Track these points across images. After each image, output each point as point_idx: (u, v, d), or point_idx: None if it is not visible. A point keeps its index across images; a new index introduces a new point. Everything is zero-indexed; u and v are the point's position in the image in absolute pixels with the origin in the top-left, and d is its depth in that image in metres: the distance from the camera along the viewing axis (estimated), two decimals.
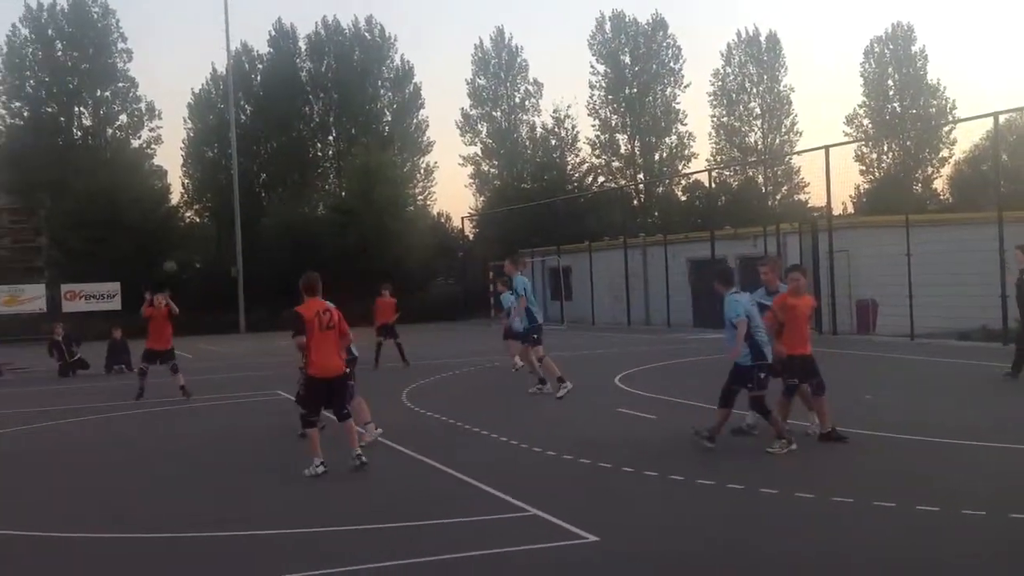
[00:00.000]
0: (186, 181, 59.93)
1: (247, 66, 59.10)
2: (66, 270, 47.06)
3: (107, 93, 56.38)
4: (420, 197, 60.84)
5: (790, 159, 61.97)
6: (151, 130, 57.26)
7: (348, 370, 11.28)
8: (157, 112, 57.26)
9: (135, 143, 56.66)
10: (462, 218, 58.61)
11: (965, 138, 57.93)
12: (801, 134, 64.08)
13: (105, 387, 21.30)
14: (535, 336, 16.49)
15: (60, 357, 25.07)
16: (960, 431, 11.66)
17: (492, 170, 63.07)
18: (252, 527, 8.48)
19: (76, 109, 56.27)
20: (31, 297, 38.47)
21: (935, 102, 61.85)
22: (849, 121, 63.45)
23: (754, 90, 64.30)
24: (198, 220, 58.61)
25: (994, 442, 10.95)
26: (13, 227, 62.27)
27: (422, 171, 61.95)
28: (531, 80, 63.73)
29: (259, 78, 59.69)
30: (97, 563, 7.72)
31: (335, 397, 10.66)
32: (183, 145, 60.28)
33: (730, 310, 11.12)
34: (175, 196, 56.60)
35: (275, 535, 8.22)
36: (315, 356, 10.49)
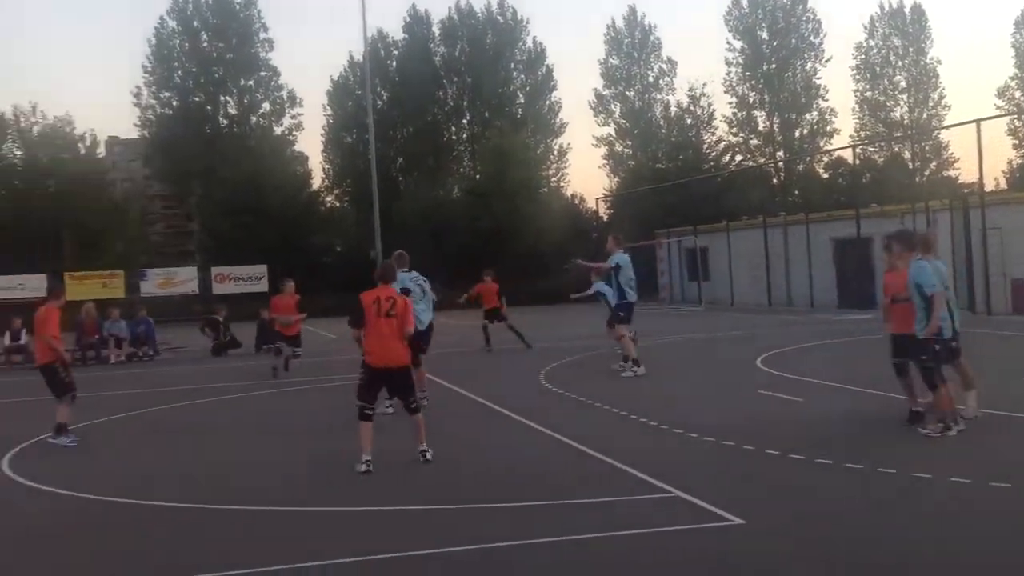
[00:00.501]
0: (326, 166, 61.53)
1: (383, 52, 60.15)
2: (215, 254, 48.89)
3: (251, 82, 58.21)
4: (553, 179, 60.98)
5: (938, 134, 59.64)
6: (292, 117, 59.03)
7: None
8: (298, 100, 58.94)
9: (277, 130, 58.44)
10: (596, 199, 58.50)
11: None
12: (949, 108, 61.62)
13: (255, 366, 22.03)
14: (621, 314, 16.80)
15: (215, 337, 26.10)
16: None
17: (626, 150, 62.64)
18: (394, 502, 8.63)
19: (221, 98, 58.31)
20: (184, 280, 39.98)
21: None
22: (1000, 94, 60.66)
23: (899, 63, 62.06)
24: (338, 204, 59.99)
25: None
26: (166, 213, 65.09)
27: (555, 153, 62.07)
28: (665, 59, 63.09)
29: (395, 64, 60.68)
30: (224, 532, 7.97)
31: (399, 389, 10.26)
32: (323, 131, 61.87)
33: (922, 277, 10.27)
34: (316, 181, 58.16)
35: (417, 511, 8.36)
36: (372, 344, 10.01)
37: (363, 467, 9.63)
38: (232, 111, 58.68)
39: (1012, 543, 6.79)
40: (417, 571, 6.75)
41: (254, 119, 58.65)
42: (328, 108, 61.11)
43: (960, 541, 6.92)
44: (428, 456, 10.02)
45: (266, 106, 58.80)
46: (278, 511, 8.56)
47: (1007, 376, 14.70)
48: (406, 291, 13.89)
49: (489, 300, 23.79)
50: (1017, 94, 59.76)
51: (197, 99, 57.82)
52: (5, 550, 7.78)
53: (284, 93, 58.79)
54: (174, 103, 57.71)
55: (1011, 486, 8.10)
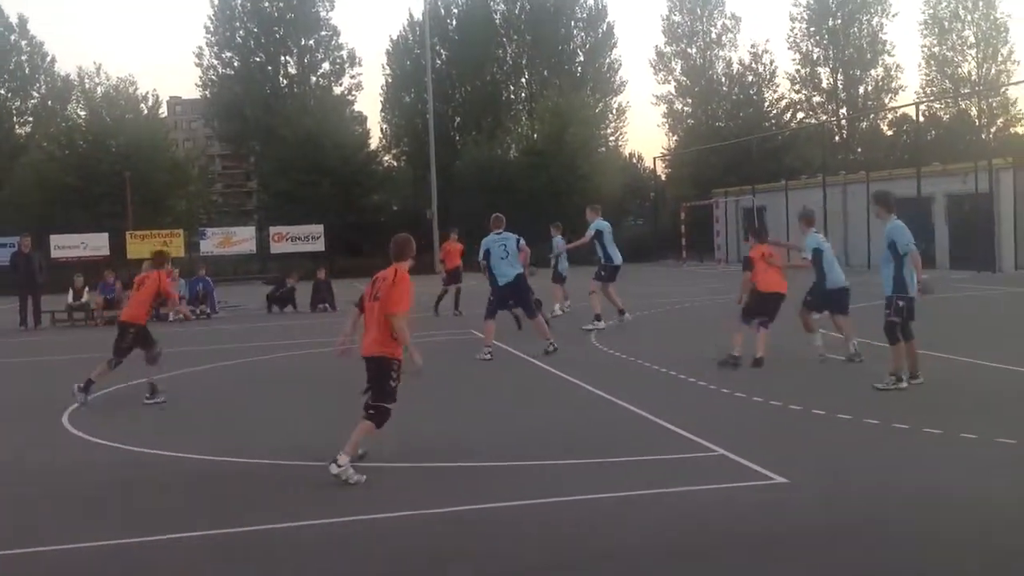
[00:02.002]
0: (384, 126, 61.74)
1: (442, 11, 59.99)
2: (273, 213, 49.48)
3: (311, 42, 58.49)
4: (612, 138, 60.59)
5: (1006, 90, 58.13)
6: (352, 77, 59.32)
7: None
8: (357, 59, 59.14)
9: (337, 90, 58.72)
10: (654, 158, 58.07)
11: None
12: (1018, 64, 59.92)
13: (308, 324, 22.35)
14: (603, 273, 17.89)
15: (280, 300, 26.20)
16: None
17: (686, 108, 61.97)
18: (441, 459, 8.79)
19: (282, 58, 58.70)
20: (242, 239, 40.57)
21: None
22: None
23: (968, 17, 60.39)
24: (395, 164, 60.24)
25: None
26: (226, 172, 65.91)
27: (614, 111, 61.62)
28: (728, 15, 62.12)
29: (454, 23, 60.50)
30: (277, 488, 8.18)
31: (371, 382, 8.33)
32: (381, 91, 62.04)
33: (900, 237, 10.97)
34: (374, 141, 58.43)
35: (466, 467, 8.51)
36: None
37: (354, 478, 7.88)
38: (292, 71, 59.07)
39: None
40: (467, 526, 6.89)
41: (314, 79, 58.96)
42: (387, 67, 61.26)
43: (1005, 497, 6.89)
44: (335, 469, 7.84)
45: (326, 66, 59.11)
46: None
47: None
48: (487, 252, 15.59)
49: (452, 260, 23.33)
50: None
51: (258, 59, 58.27)
52: (67, 502, 8.06)
53: (344, 53, 59.07)
54: (235, 63, 58.23)
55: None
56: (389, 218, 51.96)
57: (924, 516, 6.68)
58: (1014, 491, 7.13)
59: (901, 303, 10.99)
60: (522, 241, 15.85)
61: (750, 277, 13.46)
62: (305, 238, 40.54)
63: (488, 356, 14.84)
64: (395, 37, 61.14)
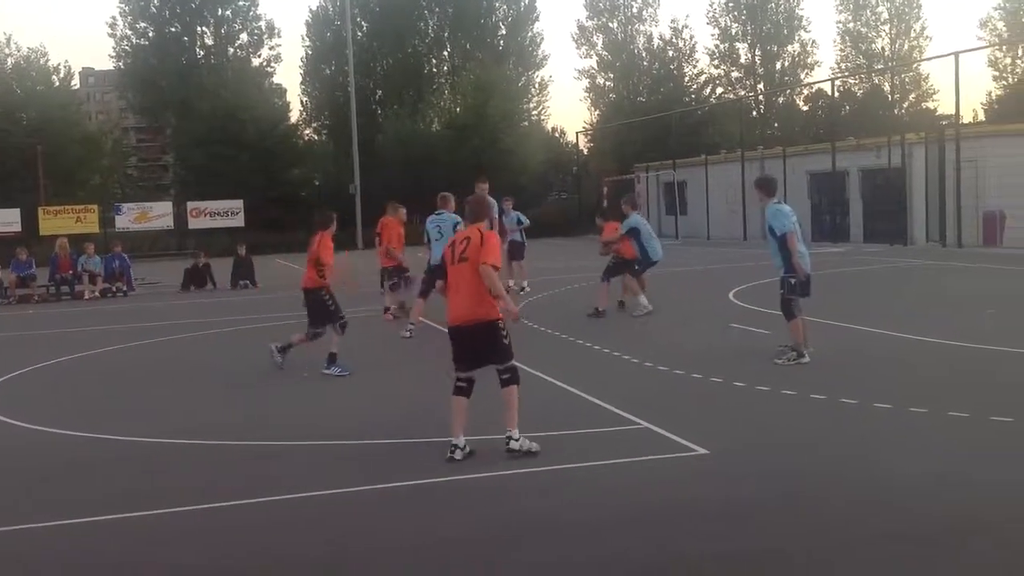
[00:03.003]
0: (304, 99, 60.98)
1: None
2: (191, 188, 48.63)
3: (228, 12, 57.41)
4: (534, 112, 60.62)
5: (918, 66, 59.54)
6: (271, 48, 58.42)
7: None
8: (276, 31, 58.24)
9: (255, 62, 57.80)
10: (576, 133, 58.27)
11: None
12: (931, 39, 61.43)
13: (227, 302, 22.08)
14: (636, 267, 16.71)
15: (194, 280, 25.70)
16: None
17: (608, 83, 62.25)
18: (369, 436, 8.78)
19: (198, 28, 57.53)
20: (159, 214, 39.84)
21: None
22: (983, 25, 60.43)
23: None
24: (316, 138, 59.60)
25: None
26: (141, 146, 64.50)
27: (536, 85, 61.64)
28: None
29: None
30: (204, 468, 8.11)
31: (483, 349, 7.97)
32: (301, 63, 61.20)
33: (774, 220, 11.45)
34: (294, 114, 57.74)
35: (389, 444, 8.51)
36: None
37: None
38: (209, 42, 57.93)
39: (970, 465, 6.99)
40: (391, 502, 6.90)
41: (231, 50, 57.93)
42: (306, 39, 60.41)
43: (920, 465, 7.11)
44: (514, 445, 7.78)
45: (243, 37, 58.16)
46: (251, 445, 8.70)
47: (974, 307, 14.97)
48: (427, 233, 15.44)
49: (388, 238, 23.10)
50: (1000, 25, 59.52)
51: (173, 30, 56.99)
52: None
53: (262, 24, 58.18)
54: (150, 34, 56.88)
55: (968, 415, 8.31)
56: (310, 192, 51.42)
57: (840, 486, 6.86)
58: (925, 461, 7.36)
59: (793, 280, 11.37)
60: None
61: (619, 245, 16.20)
62: (224, 213, 39.96)
63: (408, 334, 14.81)
64: (315, 8, 60.44)
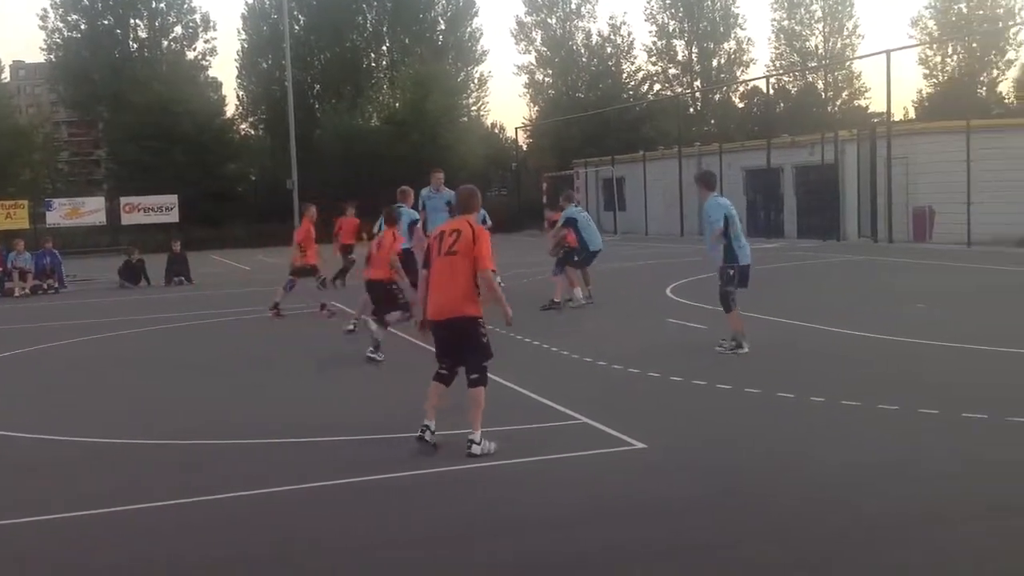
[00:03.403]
0: (240, 93, 60.31)
1: None
2: (124, 183, 47.83)
3: (162, 4, 56.53)
4: (474, 107, 60.60)
5: (851, 64, 60.56)
6: (206, 42, 57.62)
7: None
8: (211, 24, 57.58)
9: (190, 55, 57.01)
10: (516, 129, 58.35)
11: None
12: (863, 38, 62.68)
13: (164, 299, 21.78)
14: (575, 258, 17.20)
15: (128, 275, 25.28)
16: (992, 338, 11.55)
17: (547, 79, 62.41)
18: (301, 434, 8.73)
19: (132, 21, 56.52)
20: (91, 210, 39.15)
21: (1003, 2, 59.67)
22: (914, 23, 61.68)
23: None
24: (253, 132, 58.98)
25: (1012, 347, 11.04)
26: (73, 140, 63.28)
27: (476, 81, 61.59)
28: None
29: None
30: (142, 467, 8.02)
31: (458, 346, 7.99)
32: (237, 57, 60.49)
33: (709, 213, 11.68)
34: (230, 108, 57.11)
35: (320, 442, 8.48)
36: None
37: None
38: (142, 35, 56.94)
39: (902, 457, 7.16)
40: (318, 501, 6.87)
41: (165, 43, 57.04)
42: (243, 32, 59.75)
43: (855, 458, 7.26)
44: (476, 450, 7.62)
45: (178, 30, 57.25)
46: (188, 445, 8.61)
47: (904, 301, 15.29)
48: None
49: (348, 236, 22.59)
50: (930, 23, 60.76)
51: (106, 22, 55.93)
52: None
53: (197, 16, 57.32)
54: (82, 26, 55.77)
55: (898, 408, 8.50)
56: (247, 188, 50.87)
57: (778, 479, 6.98)
58: (859, 454, 7.51)
59: (732, 272, 11.59)
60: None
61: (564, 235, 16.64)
62: (158, 209, 39.40)
63: (352, 327, 14.73)
64: (251, 1, 59.65)
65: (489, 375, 7.89)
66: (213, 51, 57.80)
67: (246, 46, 59.53)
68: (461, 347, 7.78)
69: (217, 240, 40.57)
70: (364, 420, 9.17)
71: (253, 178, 53.04)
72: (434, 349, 8.07)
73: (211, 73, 57.88)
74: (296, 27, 57.17)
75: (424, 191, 17.66)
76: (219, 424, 9.29)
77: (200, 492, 6.98)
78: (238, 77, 60.45)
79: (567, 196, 17.82)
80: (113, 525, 6.49)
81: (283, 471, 7.55)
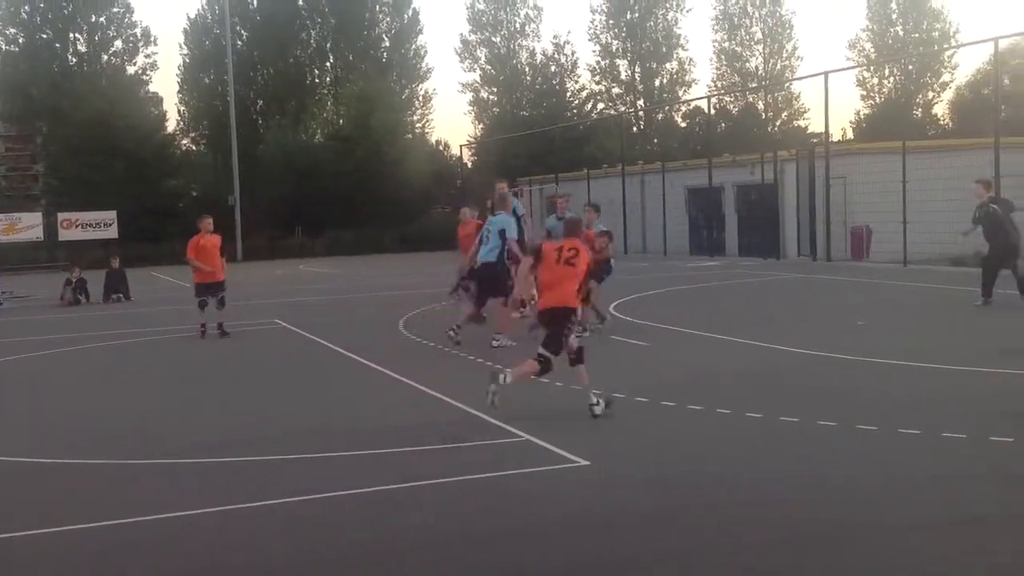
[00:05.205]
0: (182, 108, 59.72)
1: None
2: (63, 198, 47.07)
3: (102, 19, 55.83)
4: (418, 124, 60.61)
5: (790, 85, 61.58)
6: (147, 56, 56.94)
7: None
8: (152, 38, 56.87)
9: (130, 70, 56.32)
10: (460, 146, 58.42)
11: (967, 63, 57.49)
12: (802, 59, 63.68)
13: (103, 316, 21.45)
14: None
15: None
16: (929, 355, 11.79)
17: (491, 97, 62.62)
18: (245, 452, 8.65)
19: (71, 35, 55.74)
20: (28, 226, 38.43)
21: (938, 26, 61.10)
22: (851, 46, 62.87)
23: (756, 14, 63.58)
24: (194, 148, 58.42)
25: (947, 364, 11.25)
26: (10, 154, 62.14)
27: (420, 98, 61.58)
28: (531, 4, 63.00)
29: (255, 3, 58.98)
30: (93, 490, 7.90)
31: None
32: (179, 72, 59.91)
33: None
34: (171, 124, 56.55)
35: (272, 461, 8.40)
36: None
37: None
38: (82, 49, 56.14)
39: (840, 471, 7.28)
40: (264, 520, 6.81)
41: (105, 57, 56.28)
42: (184, 47, 59.20)
43: (792, 472, 7.37)
44: (597, 410, 9.36)
45: (118, 44, 56.52)
46: (120, 464, 8.49)
47: (842, 319, 15.55)
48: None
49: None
50: (867, 46, 61.97)
51: (45, 36, 55.07)
52: None
53: (138, 31, 56.63)
54: (20, 40, 54.87)
55: (836, 424, 8.64)
56: (188, 204, 50.31)
57: (717, 494, 7.05)
58: (797, 467, 7.63)
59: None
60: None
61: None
62: (97, 225, 38.80)
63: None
64: (193, 16, 59.24)
65: (427, 390, 7.94)
66: (154, 65, 57.19)
67: (188, 61, 59.00)
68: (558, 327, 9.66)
69: (158, 256, 40.09)
70: (299, 437, 9.10)
71: (194, 194, 52.50)
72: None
73: (152, 88, 57.24)
74: (239, 42, 56.85)
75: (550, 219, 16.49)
76: (149, 441, 9.17)
77: (88, 518, 6.86)
78: (179, 92, 59.91)
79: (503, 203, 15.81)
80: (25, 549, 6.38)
81: (205, 491, 7.47)
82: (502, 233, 14.41)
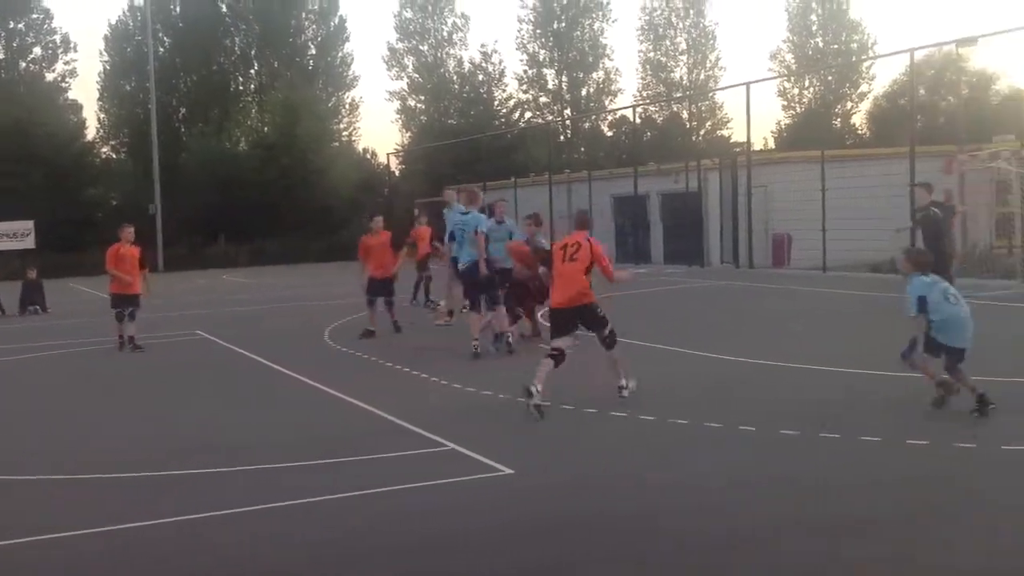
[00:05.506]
0: (102, 116, 58.52)
1: None
2: None
3: (20, 25, 54.49)
4: (345, 133, 60.17)
5: (714, 95, 62.43)
6: (66, 63, 55.54)
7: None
8: (72, 45, 55.61)
9: (49, 77, 54.96)
10: (388, 154, 58.14)
11: (884, 74, 58.88)
12: (725, 70, 64.49)
13: (18, 329, 20.94)
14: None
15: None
16: (838, 359, 12.00)
17: (419, 105, 62.45)
18: (156, 467, 8.50)
19: None
20: None
21: (856, 37, 62.46)
22: (773, 57, 63.94)
23: (680, 25, 64.29)
24: (115, 156, 57.37)
25: (851, 368, 11.36)
26: None
27: (347, 106, 61.16)
28: (459, 13, 62.95)
29: (178, 9, 58.09)
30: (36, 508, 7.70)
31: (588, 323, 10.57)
32: (99, 79, 58.77)
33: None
34: (91, 131, 55.49)
35: (191, 475, 8.27)
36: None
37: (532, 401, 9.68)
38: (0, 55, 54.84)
39: (761, 472, 7.39)
40: (171, 538, 6.69)
41: (23, 64, 54.92)
42: (105, 54, 58.07)
43: (716, 474, 7.46)
44: (625, 393, 10.28)
45: (37, 51, 55.08)
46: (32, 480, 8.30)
47: (772, 325, 15.77)
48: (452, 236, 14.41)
49: (425, 246, 21.80)
50: (788, 57, 63.10)
51: None
52: None
53: (57, 37, 55.29)
54: None
55: (755, 429, 8.77)
56: (108, 213, 49.32)
57: (641, 498, 7.12)
58: (722, 470, 7.73)
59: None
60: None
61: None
62: (13, 235, 37.89)
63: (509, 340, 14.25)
64: (114, 22, 58.10)
65: (352, 401, 7.90)
66: (73, 72, 55.88)
67: (108, 68, 57.87)
68: (580, 322, 10.38)
69: (77, 266, 39.24)
70: (218, 450, 8.96)
71: (114, 203, 51.53)
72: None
73: (71, 95, 55.89)
74: (161, 49, 55.95)
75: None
76: (45, 458, 8.97)
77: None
78: (100, 100, 58.70)
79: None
80: None
81: (104, 509, 7.33)
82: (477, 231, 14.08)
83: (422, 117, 61.17)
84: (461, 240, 14.29)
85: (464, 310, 15.97)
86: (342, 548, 6.29)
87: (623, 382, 10.31)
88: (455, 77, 61.78)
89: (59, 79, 55.15)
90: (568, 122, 62.76)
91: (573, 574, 5.77)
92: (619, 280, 11.27)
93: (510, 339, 13.99)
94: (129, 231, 16.44)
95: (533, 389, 9.68)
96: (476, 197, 14.68)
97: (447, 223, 16.28)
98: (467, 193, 15.01)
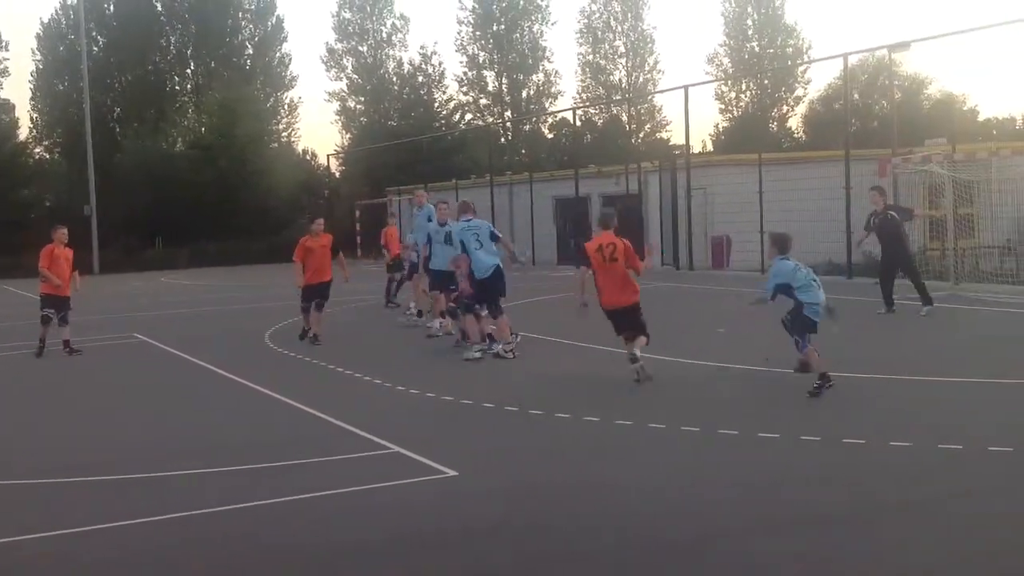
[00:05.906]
0: (34, 115, 57.47)
1: None
2: None
3: None
4: (284, 133, 59.72)
5: (652, 98, 62.97)
6: None
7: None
8: (3, 43, 54.48)
9: None
10: (328, 156, 57.76)
11: (819, 78, 59.82)
12: (663, 73, 65.10)
13: None
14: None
15: None
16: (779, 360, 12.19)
17: (358, 106, 62.14)
18: (113, 471, 8.39)
19: None
20: None
21: (792, 42, 63.47)
22: (710, 60, 64.73)
23: (619, 28, 64.78)
24: (48, 156, 56.32)
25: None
26: None
27: (286, 107, 60.72)
28: (398, 14, 62.81)
29: (112, 7, 57.18)
30: None
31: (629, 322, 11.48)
32: (31, 78, 57.66)
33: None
34: (23, 131, 54.48)
35: (136, 479, 8.17)
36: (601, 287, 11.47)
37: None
38: None
39: (703, 475, 7.48)
40: (129, 539, 6.60)
41: None
42: (37, 52, 56.98)
43: (658, 476, 7.54)
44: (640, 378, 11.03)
45: None
46: None
47: (706, 327, 15.95)
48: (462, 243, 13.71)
49: (396, 247, 21.76)
50: (725, 60, 63.91)
51: None
52: None
53: None
54: None
55: (699, 430, 8.88)
56: (41, 214, 48.37)
57: (586, 500, 7.16)
58: (662, 472, 7.81)
59: None
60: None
61: None
62: None
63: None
64: (46, 20, 57.05)
65: (293, 403, 7.81)
66: (5, 71, 54.76)
67: (41, 67, 56.82)
68: (628, 322, 11.25)
69: (8, 269, 38.41)
70: (157, 455, 8.85)
71: (48, 204, 50.58)
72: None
73: (3, 94, 54.86)
74: (95, 48, 55.07)
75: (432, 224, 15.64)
76: None
77: None
78: (32, 99, 57.61)
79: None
80: None
81: (41, 515, 7.23)
82: (492, 235, 13.89)
83: (362, 118, 60.90)
84: (476, 248, 13.67)
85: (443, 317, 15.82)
86: (288, 552, 6.25)
87: (637, 353, 11.07)
88: (395, 78, 61.59)
89: None
90: (509, 124, 62.91)
91: None
92: (646, 268, 12.06)
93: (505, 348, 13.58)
94: (62, 232, 16.09)
95: (635, 355, 10.91)
96: (468, 207, 14.39)
97: (414, 227, 16.86)
98: (461, 204, 14.67)
